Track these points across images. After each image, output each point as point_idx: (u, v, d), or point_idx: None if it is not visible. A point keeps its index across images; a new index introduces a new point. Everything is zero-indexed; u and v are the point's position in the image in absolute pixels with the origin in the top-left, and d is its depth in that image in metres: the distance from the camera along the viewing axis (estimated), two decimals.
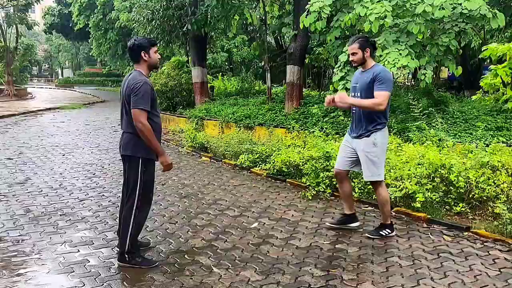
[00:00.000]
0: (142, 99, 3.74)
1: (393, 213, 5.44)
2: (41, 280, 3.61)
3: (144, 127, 3.75)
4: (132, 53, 3.93)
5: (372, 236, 4.66)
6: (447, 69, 8.89)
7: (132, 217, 3.88)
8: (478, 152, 5.94)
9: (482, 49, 8.56)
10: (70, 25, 40.89)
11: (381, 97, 4.34)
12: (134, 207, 3.88)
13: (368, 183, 5.34)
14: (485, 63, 15.26)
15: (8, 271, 3.77)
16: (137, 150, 3.89)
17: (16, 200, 5.93)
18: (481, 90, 10.29)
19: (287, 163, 7.04)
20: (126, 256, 3.89)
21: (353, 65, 4.65)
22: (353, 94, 4.67)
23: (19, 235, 4.63)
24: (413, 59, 7.49)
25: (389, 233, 4.68)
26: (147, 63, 3.95)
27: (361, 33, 7.91)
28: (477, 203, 5.32)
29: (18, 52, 29.12)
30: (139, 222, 3.95)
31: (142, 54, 3.90)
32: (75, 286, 3.51)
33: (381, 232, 4.68)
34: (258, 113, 11.06)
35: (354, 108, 4.63)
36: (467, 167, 5.51)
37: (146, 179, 3.93)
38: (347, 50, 8.19)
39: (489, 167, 5.46)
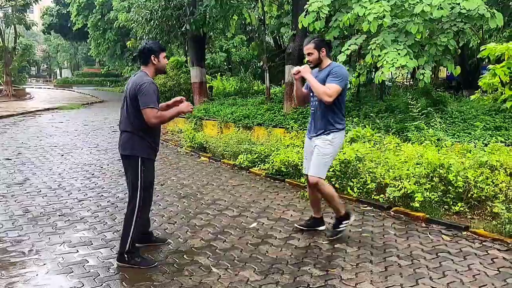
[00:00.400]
0: (150, 97, 3.80)
1: (392, 213, 5.45)
2: (40, 281, 3.61)
3: (158, 121, 3.86)
4: (142, 55, 4.00)
5: (332, 237, 4.59)
6: (445, 68, 8.91)
7: (134, 218, 3.89)
8: (476, 151, 5.95)
9: (481, 49, 8.57)
10: (69, 25, 40.83)
11: (331, 88, 4.32)
12: (136, 209, 3.89)
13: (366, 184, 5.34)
14: (484, 62, 15.27)
15: (7, 271, 3.77)
16: (136, 149, 3.90)
17: (15, 201, 5.93)
18: (479, 89, 10.30)
19: (286, 163, 7.04)
20: (126, 256, 3.89)
21: (310, 65, 4.58)
22: (311, 94, 4.65)
23: (18, 236, 4.63)
24: (412, 59, 7.50)
25: (346, 223, 4.65)
26: (155, 67, 4.02)
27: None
28: (475, 202, 5.33)
29: (16, 53, 29.06)
30: (141, 223, 3.97)
31: (152, 58, 3.97)
32: (74, 287, 3.51)
33: (339, 229, 4.64)
34: (256, 113, 11.07)
35: (313, 108, 4.63)
36: (466, 166, 5.52)
37: (145, 179, 3.93)
38: (346, 50, 8.27)
39: (488, 167, 5.47)
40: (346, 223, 4.65)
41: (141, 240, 4.21)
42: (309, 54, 4.50)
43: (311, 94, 4.63)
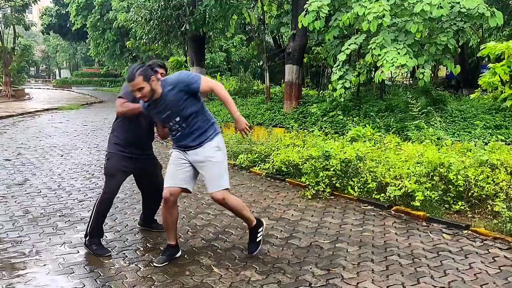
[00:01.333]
0: (123, 89, 4.31)
1: (393, 212, 5.45)
2: (41, 281, 3.61)
3: (121, 110, 4.35)
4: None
5: (257, 250, 4.15)
6: (445, 67, 8.92)
7: (96, 204, 4.29)
8: (477, 150, 5.96)
9: (481, 48, 8.59)
10: (68, 25, 40.85)
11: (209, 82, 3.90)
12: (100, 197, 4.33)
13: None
14: (484, 61, 15.26)
15: (7, 272, 3.77)
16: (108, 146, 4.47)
17: (15, 202, 5.92)
18: (479, 88, 10.33)
19: (287, 163, 7.04)
20: (86, 239, 4.27)
21: (145, 101, 3.81)
22: (172, 124, 3.88)
23: (18, 236, 4.62)
24: (412, 58, 7.51)
25: (261, 230, 4.21)
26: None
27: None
28: (476, 201, 5.33)
29: (15, 53, 28.99)
30: (102, 209, 4.30)
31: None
32: (75, 287, 3.50)
33: (258, 239, 4.18)
34: (256, 113, 11.08)
35: (174, 126, 3.88)
36: (466, 165, 5.52)
37: (106, 172, 4.34)
38: (346, 49, 8.27)
39: (488, 166, 5.47)
40: (261, 231, 4.20)
41: (143, 223, 4.91)
42: (139, 89, 3.67)
43: (163, 119, 3.91)
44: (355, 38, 8.29)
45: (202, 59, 14.76)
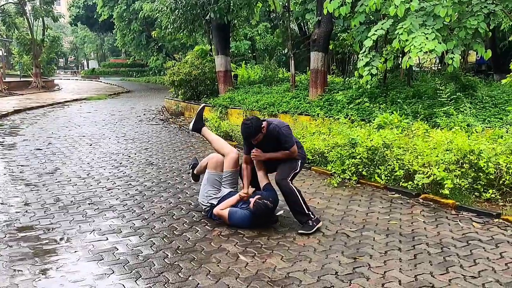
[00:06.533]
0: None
1: (421, 200, 5.38)
2: (71, 267, 3.69)
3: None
4: None
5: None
6: (475, 52, 8.68)
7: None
8: (508, 137, 5.80)
9: None
10: (95, 16, 41.25)
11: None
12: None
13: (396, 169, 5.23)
14: None
15: (40, 258, 3.87)
16: None
17: (46, 190, 6.06)
18: (511, 73, 10.01)
19: (312, 151, 7.00)
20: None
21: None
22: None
23: (49, 224, 4.74)
24: (440, 43, 7.31)
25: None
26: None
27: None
28: (507, 189, 5.20)
29: (44, 45, 29.53)
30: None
31: None
32: (104, 273, 3.57)
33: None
34: (282, 101, 11.02)
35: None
36: (497, 152, 5.38)
37: None
38: (372, 35, 8.12)
39: None
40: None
41: None
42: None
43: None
44: (382, 24, 8.11)
45: (227, 47, 14.72)
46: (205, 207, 4.87)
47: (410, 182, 5.61)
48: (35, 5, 28.22)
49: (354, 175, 6.20)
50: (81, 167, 7.44)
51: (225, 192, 4.87)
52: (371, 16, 9.43)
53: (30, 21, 27.90)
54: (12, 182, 6.47)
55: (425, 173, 5.45)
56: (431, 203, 5.29)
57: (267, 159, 4.78)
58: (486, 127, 6.85)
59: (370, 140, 6.25)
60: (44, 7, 28.19)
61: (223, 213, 4.59)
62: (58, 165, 7.55)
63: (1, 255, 3.91)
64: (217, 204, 4.77)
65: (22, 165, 7.54)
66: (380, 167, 6.07)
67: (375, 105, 8.80)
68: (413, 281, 3.41)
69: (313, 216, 4.51)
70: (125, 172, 7.07)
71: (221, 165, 4.99)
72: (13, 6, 28.65)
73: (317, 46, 10.67)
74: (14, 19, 28.41)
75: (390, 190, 5.80)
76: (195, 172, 5.53)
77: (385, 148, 6.16)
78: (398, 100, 8.70)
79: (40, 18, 28.45)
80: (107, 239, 4.32)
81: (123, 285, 3.38)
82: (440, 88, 8.20)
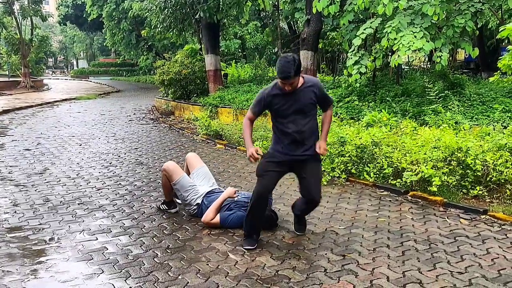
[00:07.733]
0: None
1: (409, 197, 5.43)
2: (61, 268, 3.68)
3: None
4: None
5: None
6: (463, 50, 8.76)
7: None
8: (495, 134, 5.87)
9: (500, 30, 8.38)
10: (84, 15, 40.96)
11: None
12: None
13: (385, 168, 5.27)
14: (503, 43, 14.97)
15: (29, 259, 3.85)
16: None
17: (35, 190, 6.03)
18: (498, 71, 10.09)
19: None
20: None
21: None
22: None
23: (39, 224, 4.72)
24: (428, 42, 7.38)
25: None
26: None
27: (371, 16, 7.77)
28: (494, 186, 5.26)
29: (33, 44, 29.27)
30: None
31: None
32: (94, 273, 3.57)
33: None
34: None
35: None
36: (484, 150, 5.44)
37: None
38: (361, 34, 8.17)
39: (507, 150, 5.39)
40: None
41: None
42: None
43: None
44: (371, 22, 8.16)
45: (217, 46, 14.70)
46: (193, 210, 4.86)
47: (398, 180, 5.66)
48: (23, 4, 27.99)
49: (343, 173, 6.23)
50: (70, 167, 7.41)
51: (205, 190, 4.88)
52: (360, 15, 9.47)
53: (18, 21, 27.65)
54: (0, 182, 6.43)
55: (413, 170, 5.50)
56: (419, 200, 5.34)
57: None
58: (474, 125, 6.92)
59: (359, 138, 6.29)
60: (33, 6, 27.96)
61: (214, 222, 4.55)
62: (47, 165, 7.51)
63: None
64: (202, 201, 4.76)
65: (10, 166, 7.49)
66: (369, 165, 6.12)
67: (364, 104, 8.85)
68: (401, 277, 3.44)
69: None
70: (115, 172, 7.05)
71: (181, 168, 5.05)
72: (1, 5, 28.39)
73: (306, 45, 10.70)
74: (2, 18, 28.16)
75: (379, 188, 5.85)
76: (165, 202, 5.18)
77: (374, 146, 6.21)
78: (387, 99, 8.76)
79: (29, 18, 28.21)
80: (97, 239, 4.31)
81: (113, 285, 3.37)
82: (429, 86, 8.26)
